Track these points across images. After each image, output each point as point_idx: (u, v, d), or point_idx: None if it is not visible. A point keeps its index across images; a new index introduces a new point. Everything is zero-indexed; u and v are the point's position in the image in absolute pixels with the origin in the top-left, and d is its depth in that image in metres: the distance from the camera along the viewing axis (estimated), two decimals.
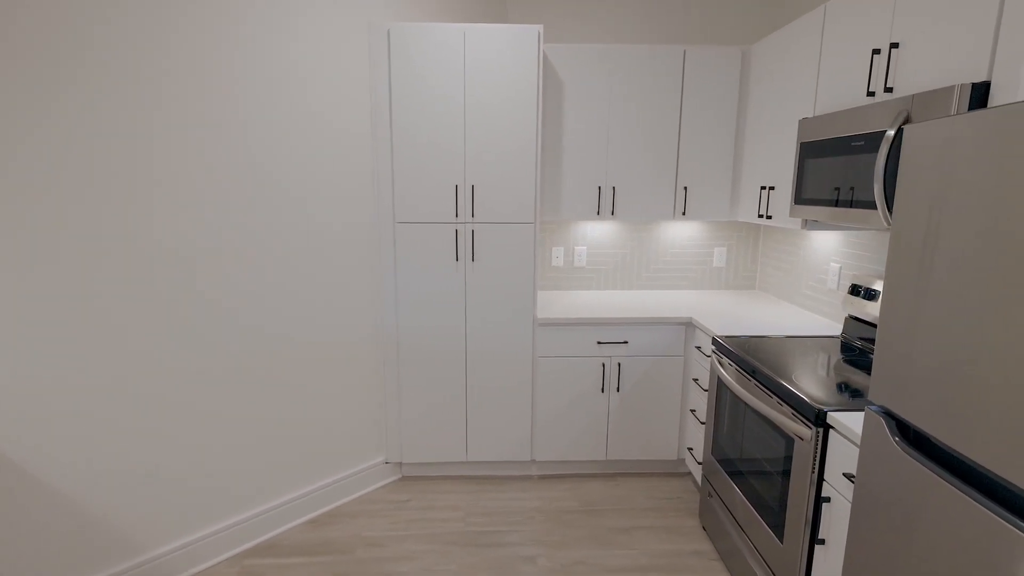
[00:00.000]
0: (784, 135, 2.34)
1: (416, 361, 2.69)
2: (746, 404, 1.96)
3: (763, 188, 2.52)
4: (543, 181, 2.80)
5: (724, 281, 3.23)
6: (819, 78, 2.07)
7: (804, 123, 2.05)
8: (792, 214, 2.12)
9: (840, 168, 1.83)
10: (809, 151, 2.01)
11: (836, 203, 1.84)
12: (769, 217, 2.46)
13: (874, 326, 2.06)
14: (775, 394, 1.75)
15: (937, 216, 1.07)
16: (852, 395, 1.63)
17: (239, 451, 2.24)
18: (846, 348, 2.10)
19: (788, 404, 1.68)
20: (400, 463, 2.84)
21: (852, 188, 1.76)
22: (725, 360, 2.14)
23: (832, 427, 1.50)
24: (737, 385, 1.99)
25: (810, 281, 2.67)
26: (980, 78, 1.36)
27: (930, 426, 1.05)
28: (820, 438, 1.53)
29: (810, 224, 2.19)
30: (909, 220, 1.13)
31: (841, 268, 2.42)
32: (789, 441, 1.67)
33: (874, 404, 1.23)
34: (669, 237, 3.17)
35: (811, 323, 2.48)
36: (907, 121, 1.53)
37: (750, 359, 1.96)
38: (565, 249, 3.17)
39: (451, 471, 2.86)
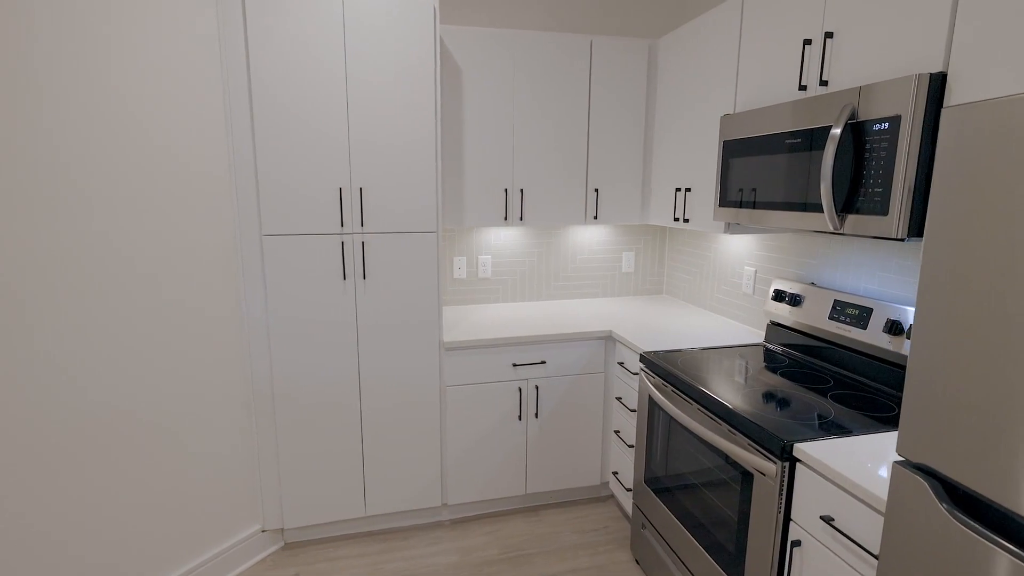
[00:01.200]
0: (700, 133, 2.21)
1: (297, 406, 2.17)
2: (687, 429, 1.76)
3: (678, 190, 2.38)
4: (444, 183, 2.43)
5: (633, 287, 3.10)
6: (739, 72, 1.95)
7: (727, 120, 1.91)
8: (717, 217, 1.98)
9: (772, 168, 1.69)
10: (733, 150, 1.88)
11: (770, 205, 1.71)
12: (687, 220, 2.32)
13: (801, 332, 1.99)
14: (725, 421, 1.56)
15: (993, 222, 0.89)
16: (820, 422, 1.48)
17: (89, 538, 1.59)
18: (773, 357, 2.00)
19: (742, 433, 1.49)
20: (282, 529, 2.31)
21: (789, 189, 1.63)
22: (658, 380, 1.94)
23: (800, 460, 1.32)
24: (675, 408, 1.79)
25: (722, 285, 2.60)
26: (935, 68, 1.25)
27: (990, 489, 0.87)
28: (786, 473, 1.35)
29: (733, 227, 2.07)
30: (952, 229, 0.94)
31: (756, 272, 2.35)
32: (746, 475, 1.48)
33: (906, 460, 1.03)
34: (578, 243, 2.97)
35: (730, 330, 2.39)
36: (853, 116, 1.40)
37: (687, 379, 1.77)
38: (468, 259, 2.83)
39: (347, 529, 2.38)
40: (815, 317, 1.90)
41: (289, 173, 2.01)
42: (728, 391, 1.67)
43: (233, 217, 2.00)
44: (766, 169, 1.72)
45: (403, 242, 2.16)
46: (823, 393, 1.65)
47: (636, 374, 2.21)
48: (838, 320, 1.81)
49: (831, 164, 1.41)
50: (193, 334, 1.93)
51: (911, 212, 1.29)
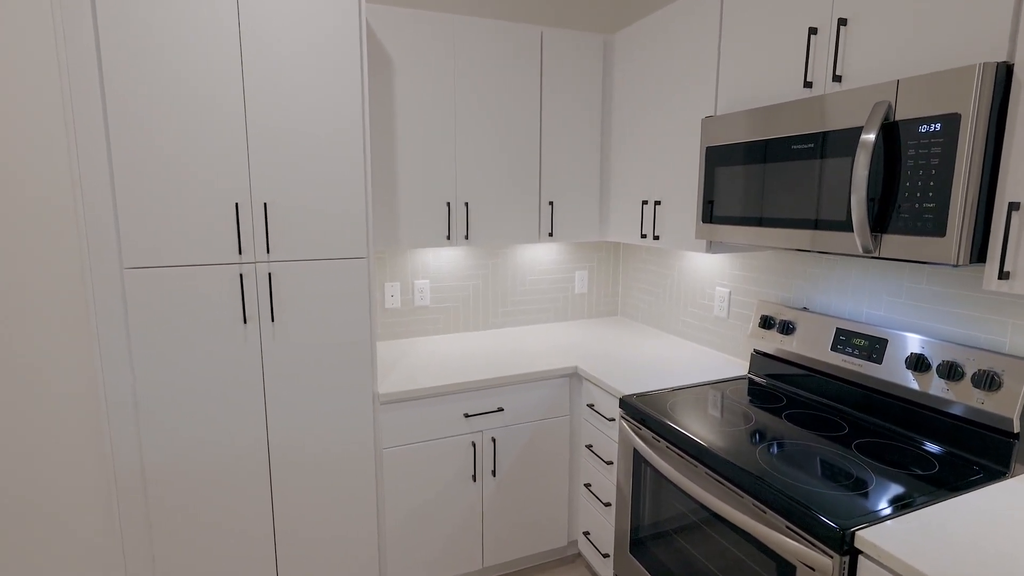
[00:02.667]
0: (671, 138, 1.95)
1: (179, 493, 1.63)
2: (692, 497, 1.45)
3: (645, 203, 2.11)
4: (375, 197, 1.99)
5: (587, 309, 2.80)
6: (721, 69, 1.70)
7: (710, 124, 1.65)
8: (700, 235, 1.71)
9: (772, 178, 1.44)
10: (720, 157, 1.62)
11: (771, 222, 1.45)
12: (657, 238, 2.05)
13: (795, 364, 1.76)
14: (750, 494, 1.27)
15: None
16: (867, 490, 1.21)
17: None
18: (767, 393, 1.76)
19: (776, 511, 1.20)
20: None
21: (796, 203, 1.38)
22: (647, 432, 1.63)
23: (866, 554, 1.04)
24: (673, 470, 1.48)
25: (690, 308, 2.36)
26: (998, 57, 1.03)
27: None
28: (846, 570, 1.06)
29: (716, 246, 1.81)
30: None
31: (731, 293, 2.13)
32: (783, 566, 1.18)
33: None
34: (526, 262, 2.62)
35: (707, 360, 2.14)
36: (887, 116, 1.16)
37: (686, 434, 1.47)
38: (402, 285, 2.39)
39: None
40: (814, 347, 1.68)
41: (161, 184, 1.49)
42: (737, 447, 1.38)
43: (81, 246, 1.45)
44: (763, 180, 1.47)
45: (324, 271, 1.70)
46: (845, 443, 1.41)
47: (611, 420, 1.89)
48: (844, 352, 1.59)
49: (865, 175, 1.17)
50: (24, 412, 1.35)
51: (973, 233, 1.06)
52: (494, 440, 2.01)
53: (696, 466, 1.43)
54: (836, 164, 1.27)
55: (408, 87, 1.98)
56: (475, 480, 2.01)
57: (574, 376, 2.11)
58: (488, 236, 2.20)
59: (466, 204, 2.12)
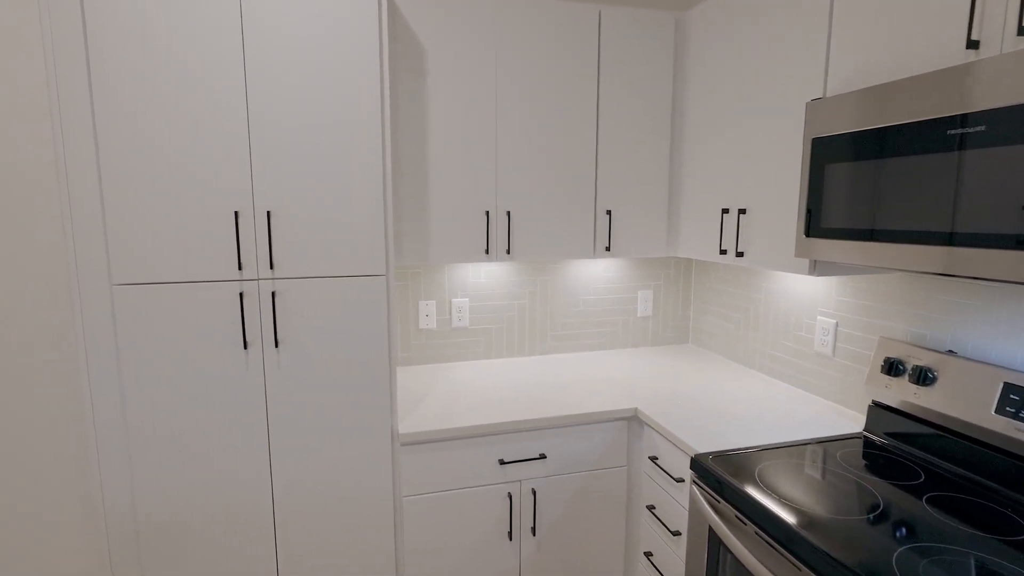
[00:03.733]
0: (764, 130, 1.57)
1: (175, 539, 1.43)
2: None
3: (726, 212, 1.73)
4: (400, 206, 1.74)
5: (652, 335, 2.42)
6: (834, 36, 1.31)
7: (818, 108, 1.27)
8: (802, 252, 1.32)
9: (912, 177, 1.04)
10: (830, 152, 1.23)
11: (909, 237, 1.05)
12: (741, 254, 1.66)
13: (939, 427, 1.32)
14: None
15: None
16: None
17: None
18: (897, 464, 1.33)
19: None
20: None
21: (947, 211, 0.97)
22: (727, 508, 1.25)
23: None
24: (765, 569, 1.10)
25: (782, 340, 1.93)
26: None
27: None
28: None
29: (822, 266, 1.41)
30: None
31: (838, 325, 1.69)
32: None
33: None
34: (581, 280, 2.29)
35: (806, 408, 1.72)
36: None
37: (788, 523, 1.08)
38: (438, 304, 2.13)
39: None
40: (967, 406, 1.24)
41: (151, 185, 1.30)
42: (863, 545, 0.98)
43: (68, 259, 1.28)
44: (894, 180, 1.07)
45: (336, 290, 1.46)
46: None
47: (680, 481, 1.51)
48: (1017, 417, 1.14)
49: None
50: (8, 447, 1.19)
51: None
52: (534, 492, 1.69)
53: (800, 569, 1.04)
54: (1013, 155, 0.87)
55: (443, 81, 1.73)
56: (511, 538, 1.69)
57: (634, 420, 1.75)
58: (533, 250, 1.89)
59: (508, 213, 1.83)
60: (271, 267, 1.39)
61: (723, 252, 1.74)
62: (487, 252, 1.84)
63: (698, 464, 1.36)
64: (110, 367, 1.34)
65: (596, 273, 2.30)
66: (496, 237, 1.84)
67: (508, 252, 1.86)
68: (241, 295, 1.38)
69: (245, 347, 1.40)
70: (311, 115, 1.38)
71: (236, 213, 1.35)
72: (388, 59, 1.57)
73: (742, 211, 1.65)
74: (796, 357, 1.87)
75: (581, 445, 1.71)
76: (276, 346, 1.42)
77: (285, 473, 1.49)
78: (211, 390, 1.40)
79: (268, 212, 1.37)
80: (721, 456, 1.37)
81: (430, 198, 1.77)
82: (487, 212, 1.81)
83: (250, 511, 1.48)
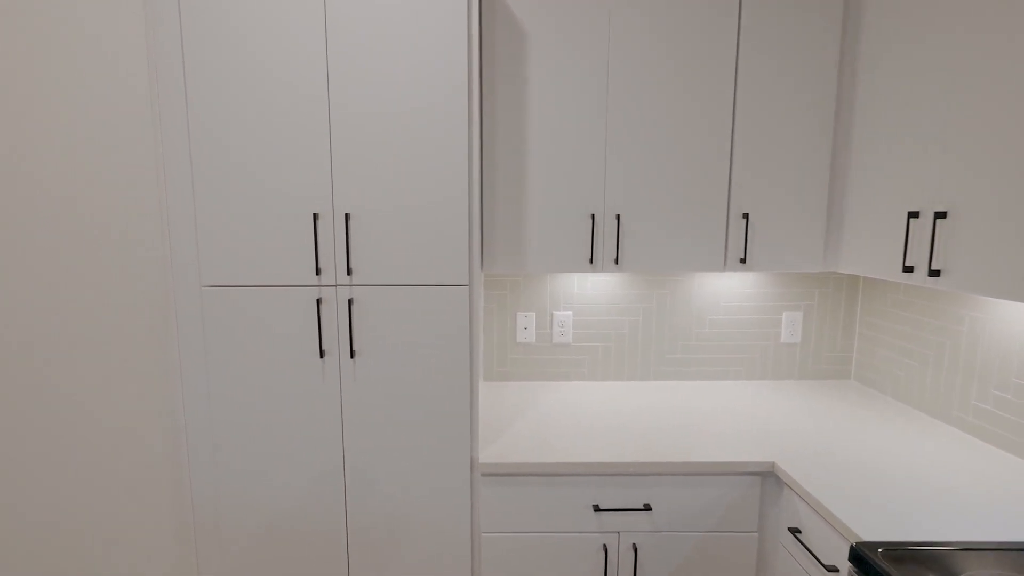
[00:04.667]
0: (988, 98, 1.13)
1: (250, 548, 1.41)
2: None
3: (913, 216, 1.29)
4: (493, 207, 1.58)
5: (800, 367, 1.97)
6: None
7: None
8: None
9: None
10: None
11: None
12: (936, 273, 1.22)
13: None
14: None
15: None
16: None
17: None
18: None
19: None
20: None
21: None
22: None
23: None
24: None
25: (993, 388, 1.42)
26: None
27: None
28: None
29: None
30: None
31: None
32: None
33: None
34: (709, 296, 1.94)
35: (1015, 481, 1.22)
36: None
37: None
38: (538, 316, 1.93)
39: None
40: None
41: (235, 189, 1.28)
42: None
43: (164, 258, 1.31)
44: None
45: (414, 300, 1.33)
46: None
47: (833, 571, 1.13)
48: None
49: None
50: (97, 447, 1.25)
51: None
52: (635, 548, 1.41)
53: None
54: None
55: (546, 66, 1.53)
56: None
57: (770, 477, 1.39)
58: (646, 260, 1.61)
59: (617, 217, 1.57)
60: (348, 273, 1.30)
61: (908, 269, 1.30)
62: (591, 261, 1.60)
63: (863, 558, 0.99)
64: (199, 365, 1.35)
65: (728, 289, 1.93)
66: (602, 244, 1.59)
67: (616, 262, 1.60)
68: (318, 302, 1.31)
69: (321, 356, 1.33)
70: (391, 108, 1.26)
71: (315, 216, 1.28)
72: (481, 47, 1.42)
73: (940, 215, 1.21)
74: (1017, 415, 1.35)
75: (698, 500, 1.39)
76: (352, 357, 1.33)
77: (358, 491, 1.40)
78: (289, 398, 1.35)
79: (347, 214, 1.28)
80: (897, 550, 0.98)
81: (527, 199, 1.58)
82: (592, 215, 1.57)
83: (323, 525, 1.41)
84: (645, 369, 1.97)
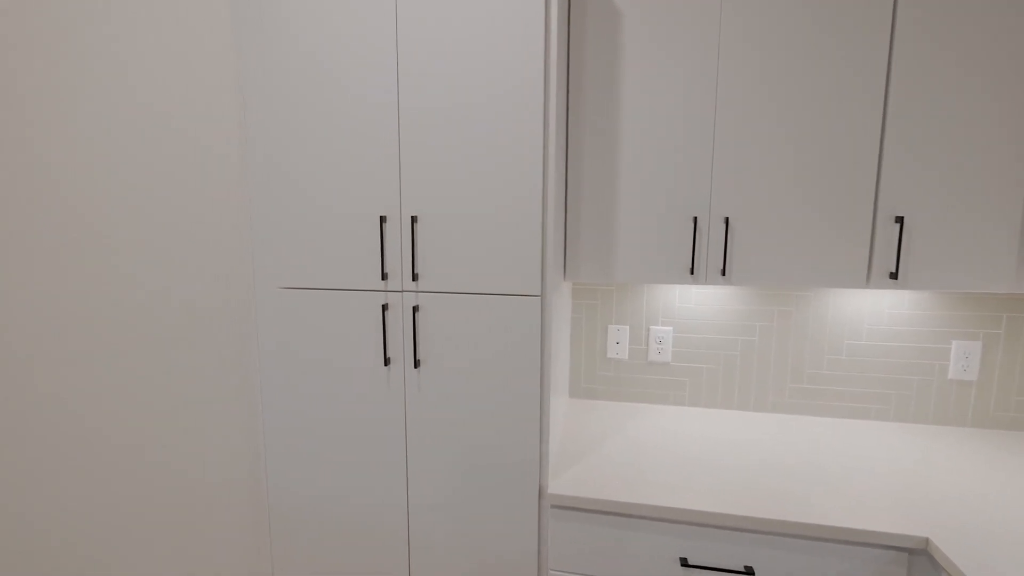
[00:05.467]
0: None
1: (310, 555, 1.41)
2: None
3: None
4: (578, 209, 1.42)
5: (974, 410, 1.55)
6: None
7: None
8: None
9: None
10: None
11: None
12: None
13: None
14: None
15: None
16: None
17: None
18: None
19: None
20: None
21: None
22: None
23: None
24: None
25: None
26: None
27: None
28: None
29: None
30: None
31: None
32: None
33: None
34: (848, 317, 1.59)
35: None
36: None
37: None
38: (633, 330, 1.73)
39: None
40: None
41: (308, 190, 1.27)
42: None
43: (247, 260, 1.35)
44: None
45: (480, 309, 1.22)
46: None
47: None
48: None
49: None
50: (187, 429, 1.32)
51: None
52: None
53: None
54: None
55: (642, 46, 1.34)
56: None
57: (920, 556, 1.07)
58: (763, 272, 1.34)
59: (725, 221, 1.33)
60: (414, 279, 1.24)
61: None
62: (692, 272, 1.37)
63: None
64: (277, 366, 1.37)
65: (874, 309, 1.57)
66: (705, 252, 1.36)
67: (723, 273, 1.35)
68: (384, 307, 1.26)
69: (386, 363, 1.28)
70: (462, 101, 1.17)
71: (382, 219, 1.22)
72: (569, 31, 1.27)
73: None
74: None
75: (818, 572, 1.12)
76: (415, 366, 1.26)
77: (421, 511, 1.33)
78: (355, 406, 1.32)
79: (413, 217, 1.21)
80: None
81: (617, 199, 1.40)
82: (695, 218, 1.35)
83: (387, 542, 1.36)
84: (761, 398, 1.67)
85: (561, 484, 1.25)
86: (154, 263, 1.26)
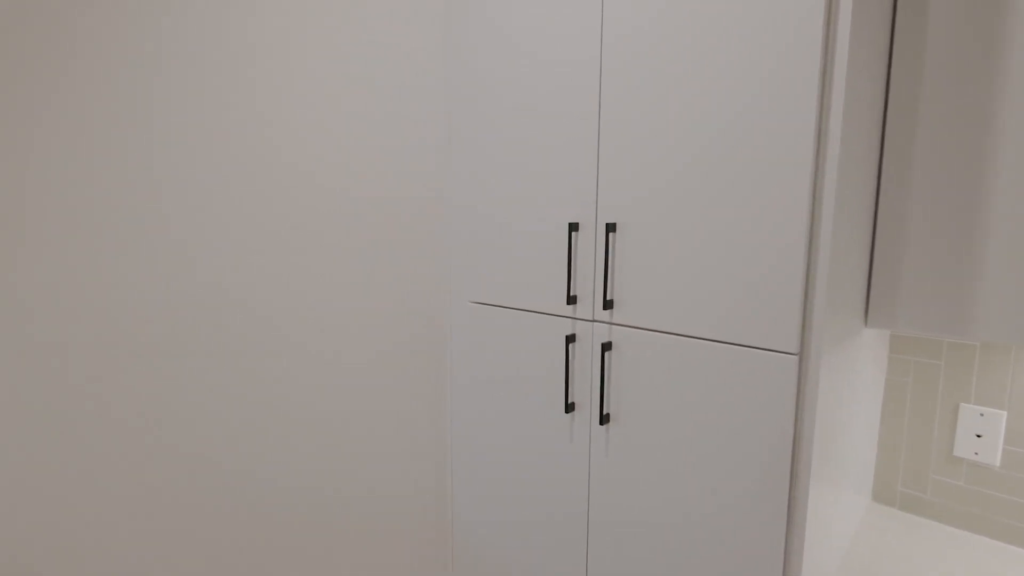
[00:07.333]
0: None
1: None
2: None
3: None
4: (902, 219, 0.83)
5: None
6: None
7: None
8: None
9: None
10: None
11: None
12: None
13: None
14: None
15: None
16: None
17: None
18: None
19: None
20: None
21: None
22: None
23: None
24: None
25: None
26: None
27: None
28: None
29: None
30: None
31: None
32: None
33: None
34: None
35: None
36: None
37: None
38: (1010, 417, 0.98)
39: None
40: None
41: (498, 199, 1.07)
42: None
43: (440, 273, 1.24)
44: None
45: (699, 360, 0.82)
46: None
47: None
48: None
49: None
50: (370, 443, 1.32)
51: None
52: None
53: None
54: None
55: None
56: None
57: None
58: None
59: None
60: (606, 306, 0.91)
61: None
62: None
63: None
64: (463, 378, 1.24)
65: None
66: None
67: None
68: (568, 340, 0.97)
69: (567, 410, 1.00)
70: (686, 114, 0.77)
71: (571, 226, 0.93)
72: None
73: None
74: None
75: None
76: (601, 422, 0.94)
77: None
78: (534, 452, 1.08)
79: (608, 225, 0.88)
80: None
81: (978, 202, 0.76)
82: None
83: None
84: None
85: None
86: (354, 270, 1.25)
